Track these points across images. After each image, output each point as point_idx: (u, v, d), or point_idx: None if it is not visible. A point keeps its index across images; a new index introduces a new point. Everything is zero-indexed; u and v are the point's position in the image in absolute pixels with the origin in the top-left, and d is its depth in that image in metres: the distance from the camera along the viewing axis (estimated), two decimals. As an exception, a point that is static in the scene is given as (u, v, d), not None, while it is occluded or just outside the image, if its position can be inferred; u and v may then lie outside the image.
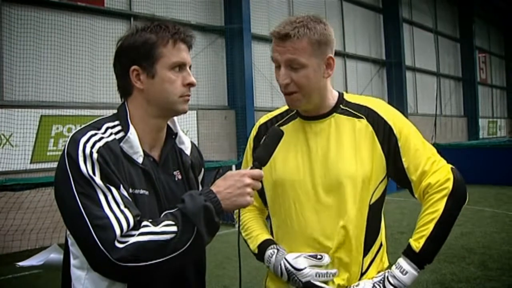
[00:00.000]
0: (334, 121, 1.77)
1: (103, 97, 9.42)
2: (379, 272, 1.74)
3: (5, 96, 8.37)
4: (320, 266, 1.68)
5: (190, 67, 1.57)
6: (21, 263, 2.50)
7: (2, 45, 8.36)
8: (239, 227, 1.61)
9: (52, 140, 8.85)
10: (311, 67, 1.64)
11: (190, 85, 1.54)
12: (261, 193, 1.91)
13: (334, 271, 1.68)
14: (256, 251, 1.82)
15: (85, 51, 9.45)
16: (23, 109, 8.43)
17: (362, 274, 1.73)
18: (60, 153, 1.41)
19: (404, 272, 1.64)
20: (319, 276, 1.66)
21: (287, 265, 1.69)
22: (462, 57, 24.13)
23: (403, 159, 1.72)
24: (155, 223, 1.35)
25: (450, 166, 1.75)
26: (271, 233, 1.88)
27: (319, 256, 1.69)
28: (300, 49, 1.62)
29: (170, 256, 1.33)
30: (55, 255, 2.24)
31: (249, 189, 1.45)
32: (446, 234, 1.68)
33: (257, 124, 1.96)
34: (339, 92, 1.84)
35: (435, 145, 12.30)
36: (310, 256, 1.69)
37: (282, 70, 1.66)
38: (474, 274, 5.54)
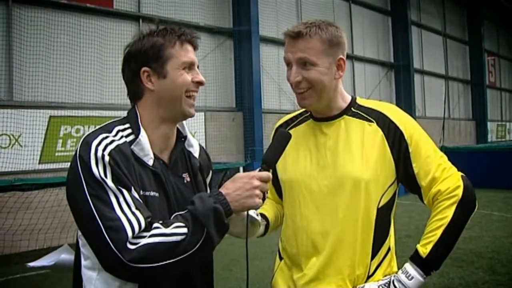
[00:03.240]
0: (344, 123, 1.78)
1: (112, 98, 9.47)
2: (386, 276, 1.74)
3: (14, 97, 8.44)
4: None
5: (198, 67, 1.60)
6: (31, 264, 2.50)
7: (12, 46, 8.43)
8: (247, 230, 1.62)
9: (60, 141, 8.89)
10: (321, 66, 1.68)
11: (199, 83, 1.58)
12: (279, 192, 1.99)
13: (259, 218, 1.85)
14: None
15: (94, 52, 9.50)
16: (32, 110, 8.50)
17: (369, 277, 1.73)
18: (68, 153, 1.43)
19: (410, 277, 1.64)
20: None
21: None
22: (471, 60, 24.02)
23: (414, 165, 1.72)
24: (166, 225, 1.37)
25: (460, 173, 1.76)
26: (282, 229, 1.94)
27: (260, 218, 1.85)
28: (311, 48, 1.66)
29: (180, 257, 1.35)
30: (66, 256, 2.24)
31: (257, 191, 1.47)
32: (453, 241, 1.68)
33: (275, 127, 2.02)
34: (352, 96, 1.86)
35: (443, 148, 12.25)
36: (256, 212, 1.84)
37: (294, 68, 1.70)
38: (483, 279, 5.50)
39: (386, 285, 1.66)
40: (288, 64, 1.73)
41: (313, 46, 1.66)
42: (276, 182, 1.95)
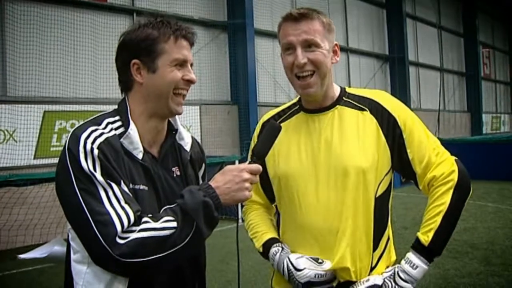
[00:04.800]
0: (337, 113, 1.77)
1: (106, 93, 9.44)
2: (387, 266, 1.74)
3: (8, 92, 8.39)
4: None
5: (191, 65, 1.57)
6: (23, 255, 2.50)
7: (5, 41, 8.37)
8: (237, 224, 1.61)
9: (55, 136, 8.87)
10: (324, 48, 1.69)
11: (190, 82, 1.55)
12: (266, 189, 1.92)
13: (332, 274, 1.69)
14: (261, 250, 1.83)
15: (88, 46, 9.46)
16: (26, 105, 8.45)
17: (372, 269, 1.73)
18: (63, 148, 1.41)
19: (414, 267, 1.64)
20: (318, 277, 1.66)
21: (289, 264, 1.70)
22: (466, 52, 24.06)
23: (408, 151, 1.72)
24: (155, 219, 1.36)
25: (454, 157, 1.76)
26: (278, 227, 1.90)
27: (320, 261, 1.69)
28: (315, 30, 1.68)
29: (169, 251, 1.34)
30: (58, 248, 2.24)
31: (247, 184, 1.46)
32: (453, 226, 1.68)
33: (261, 122, 1.97)
34: (340, 86, 1.85)
35: (438, 140, 12.25)
36: (312, 258, 1.70)
37: (299, 51, 1.68)
38: (477, 270, 5.54)
39: (391, 276, 1.66)
40: (289, 48, 1.70)
41: (317, 28, 1.68)
42: (266, 184, 1.90)
